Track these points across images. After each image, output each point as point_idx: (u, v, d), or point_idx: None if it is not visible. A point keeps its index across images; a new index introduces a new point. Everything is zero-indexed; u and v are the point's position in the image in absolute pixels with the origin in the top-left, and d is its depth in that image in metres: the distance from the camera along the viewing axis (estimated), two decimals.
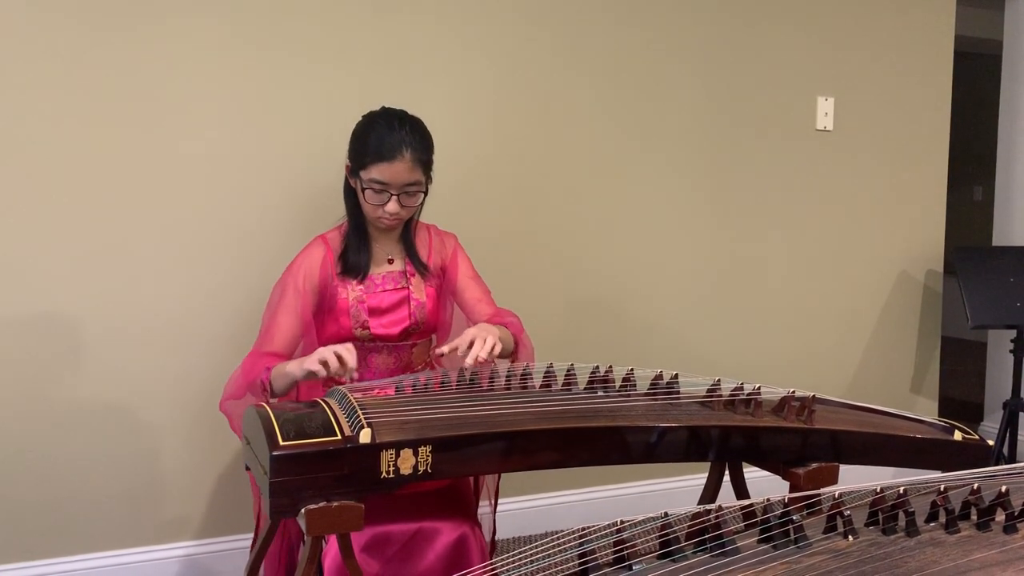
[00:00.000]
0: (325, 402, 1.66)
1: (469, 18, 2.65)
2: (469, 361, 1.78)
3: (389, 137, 1.91)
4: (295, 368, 1.80)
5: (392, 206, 1.94)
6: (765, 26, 3.07)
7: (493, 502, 2.12)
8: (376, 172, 1.91)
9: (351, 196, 2.03)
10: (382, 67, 2.55)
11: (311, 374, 1.77)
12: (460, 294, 2.10)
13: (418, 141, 1.94)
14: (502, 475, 2.12)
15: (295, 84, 2.47)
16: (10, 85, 2.21)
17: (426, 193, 2.00)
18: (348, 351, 1.77)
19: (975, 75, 5.75)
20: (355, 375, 1.78)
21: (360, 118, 2.00)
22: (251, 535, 2.43)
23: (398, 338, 2.03)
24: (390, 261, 2.05)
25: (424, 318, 2.04)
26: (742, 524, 1.18)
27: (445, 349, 1.83)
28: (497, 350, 1.83)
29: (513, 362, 1.92)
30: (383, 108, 2.00)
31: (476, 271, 2.14)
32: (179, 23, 2.34)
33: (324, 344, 1.95)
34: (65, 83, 2.26)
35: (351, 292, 1.99)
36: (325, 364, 1.74)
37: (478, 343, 1.80)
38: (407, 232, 2.08)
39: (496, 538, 2.20)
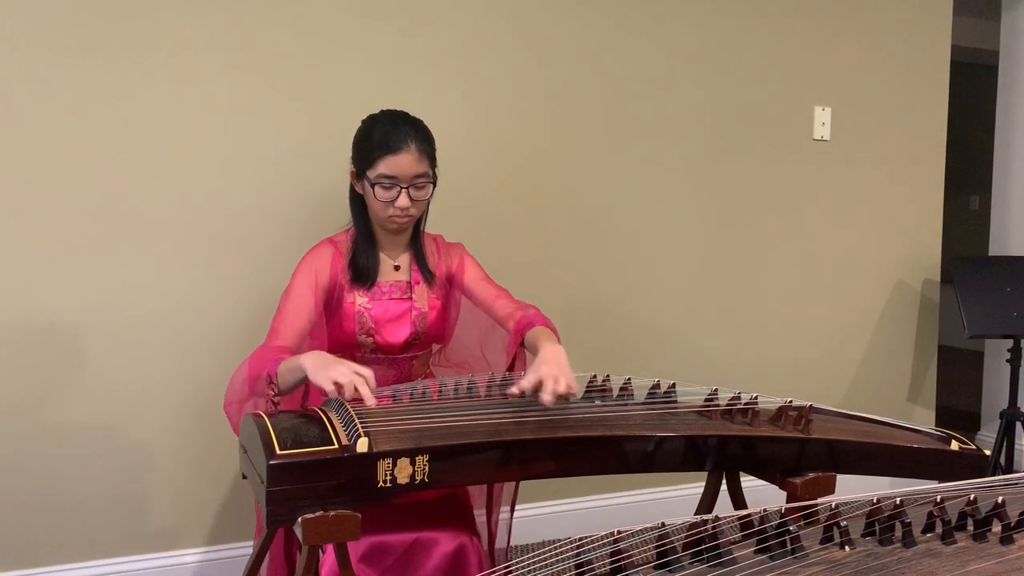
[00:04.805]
0: (322, 411, 1.66)
1: (469, 23, 2.66)
2: (547, 399, 1.70)
3: (394, 132, 1.93)
4: (307, 363, 1.72)
5: (403, 200, 1.93)
6: (762, 36, 3.08)
7: (511, 507, 2.09)
8: (384, 166, 1.91)
9: (357, 203, 2.02)
10: (382, 71, 2.56)
11: (320, 387, 1.71)
12: (474, 295, 2.08)
13: (421, 135, 1.96)
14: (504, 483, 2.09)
15: (294, 87, 2.47)
16: (9, 86, 2.22)
17: (434, 185, 2.00)
18: (363, 384, 1.69)
19: (971, 85, 5.77)
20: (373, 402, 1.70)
21: (360, 123, 2.00)
22: (248, 543, 2.43)
23: (399, 350, 2.02)
24: (396, 268, 2.05)
25: (425, 329, 2.03)
26: (739, 534, 1.19)
27: (515, 390, 1.74)
28: (574, 387, 1.76)
29: None
30: (382, 110, 2.01)
31: (487, 274, 2.12)
32: (180, 27, 2.34)
33: (331, 347, 1.94)
34: (62, 86, 2.26)
35: (358, 298, 1.99)
36: (340, 388, 1.68)
37: (549, 382, 1.71)
38: (416, 238, 2.07)
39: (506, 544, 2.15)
